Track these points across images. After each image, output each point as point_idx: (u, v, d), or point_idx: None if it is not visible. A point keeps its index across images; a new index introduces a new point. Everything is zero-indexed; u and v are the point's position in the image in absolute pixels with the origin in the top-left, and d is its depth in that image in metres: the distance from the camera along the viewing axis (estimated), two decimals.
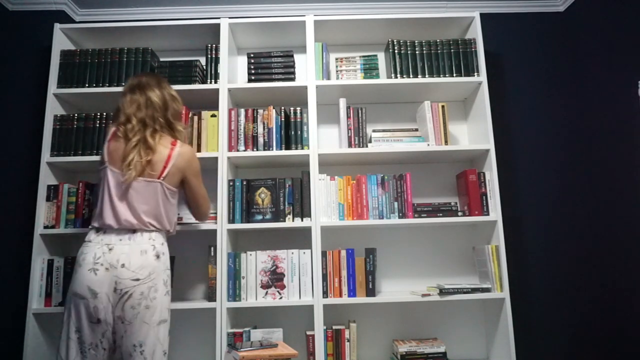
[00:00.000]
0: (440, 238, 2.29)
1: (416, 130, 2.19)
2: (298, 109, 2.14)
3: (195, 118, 2.12)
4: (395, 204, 2.07)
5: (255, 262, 2.00)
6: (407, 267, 2.27)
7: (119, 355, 1.48)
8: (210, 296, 1.95)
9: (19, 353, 2.05)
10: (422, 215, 2.07)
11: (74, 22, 2.50)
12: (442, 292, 1.98)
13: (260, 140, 2.11)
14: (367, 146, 2.14)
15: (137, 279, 1.46)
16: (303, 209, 2.05)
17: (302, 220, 2.04)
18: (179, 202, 2.04)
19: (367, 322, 2.21)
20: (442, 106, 2.18)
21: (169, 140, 1.65)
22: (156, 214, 1.57)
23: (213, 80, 2.16)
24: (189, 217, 2.04)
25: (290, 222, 2.03)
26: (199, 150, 2.10)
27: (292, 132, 2.13)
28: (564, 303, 2.27)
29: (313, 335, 1.96)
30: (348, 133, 2.13)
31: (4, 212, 2.20)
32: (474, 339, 2.20)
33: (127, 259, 1.47)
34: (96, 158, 2.03)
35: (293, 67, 2.21)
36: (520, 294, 2.25)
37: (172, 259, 2.11)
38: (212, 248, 1.99)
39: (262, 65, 2.19)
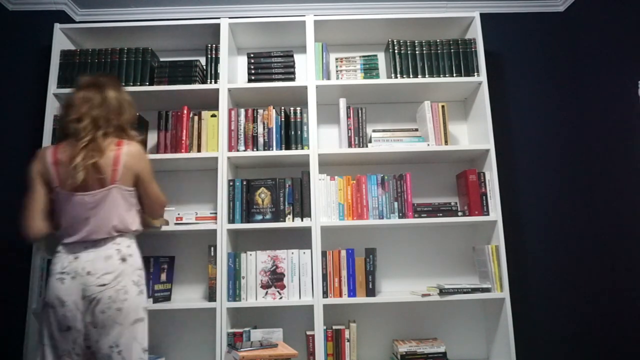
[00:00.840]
0: (440, 238, 2.29)
1: (416, 130, 2.19)
2: (298, 109, 2.14)
3: (195, 118, 2.13)
4: (395, 204, 2.07)
5: (255, 262, 2.00)
6: (407, 267, 2.27)
7: None
8: (210, 296, 1.95)
9: (19, 353, 2.06)
10: (422, 215, 2.07)
11: (74, 22, 2.50)
12: (442, 292, 1.98)
13: (260, 140, 2.11)
14: (367, 146, 2.14)
15: (103, 284, 1.46)
16: (303, 209, 2.05)
17: (302, 220, 2.04)
18: (173, 203, 2.04)
19: (367, 322, 2.21)
20: (442, 106, 2.18)
21: (114, 142, 1.56)
22: (117, 219, 1.53)
23: (213, 80, 2.16)
24: (189, 217, 2.05)
25: (290, 222, 2.03)
26: (199, 150, 2.10)
27: (292, 132, 2.13)
28: (564, 303, 2.27)
29: (313, 335, 1.96)
30: (348, 133, 2.13)
31: (5, 212, 2.20)
32: (474, 339, 2.20)
33: (92, 266, 1.47)
34: None
35: (293, 67, 2.20)
36: (520, 294, 2.25)
37: (172, 259, 2.12)
38: (212, 248, 1.99)
39: (262, 65, 2.19)
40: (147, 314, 1.56)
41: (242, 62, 2.44)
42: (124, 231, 1.55)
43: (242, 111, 2.13)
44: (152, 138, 2.30)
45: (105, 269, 1.48)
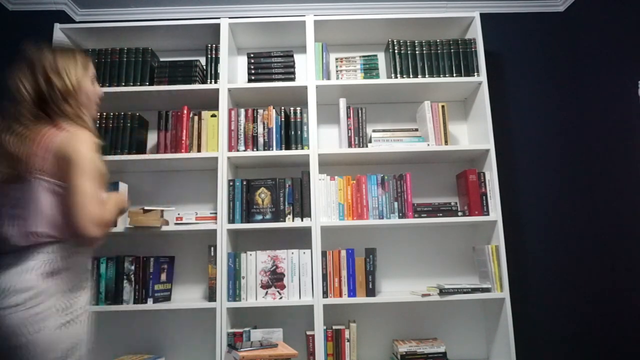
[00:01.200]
0: (440, 238, 2.29)
1: (416, 130, 2.19)
2: (298, 109, 2.14)
3: (195, 118, 2.13)
4: (395, 204, 2.07)
5: (255, 262, 2.00)
6: (407, 267, 2.27)
7: None
8: (210, 296, 1.95)
9: None
10: (422, 215, 2.07)
11: (74, 22, 2.50)
12: (442, 292, 1.98)
13: (260, 140, 2.11)
14: (367, 146, 2.14)
15: (9, 307, 1.05)
16: (303, 209, 2.05)
17: (302, 220, 2.04)
18: (173, 203, 2.03)
19: (367, 322, 2.21)
20: (442, 106, 2.17)
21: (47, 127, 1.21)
22: (44, 220, 1.15)
23: (213, 80, 2.16)
24: (189, 217, 2.05)
25: (290, 222, 2.03)
26: (199, 150, 2.09)
27: (292, 132, 2.13)
28: (564, 303, 2.27)
29: (313, 335, 1.96)
30: (348, 133, 2.13)
31: None
32: (474, 339, 2.20)
33: (3, 281, 1.08)
34: None
35: (293, 67, 2.20)
36: (520, 294, 2.25)
37: (172, 259, 2.12)
38: (212, 248, 1.99)
39: (262, 65, 2.19)
40: (74, 357, 1.12)
41: (242, 62, 2.44)
42: (60, 237, 1.15)
43: (242, 111, 2.13)
44: (152, 138, 2.30)
45: (18, 285, 1.07)
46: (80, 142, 1.18)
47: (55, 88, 1.25)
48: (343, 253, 2.01)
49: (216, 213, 2.04)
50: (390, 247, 2.28)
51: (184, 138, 2.09)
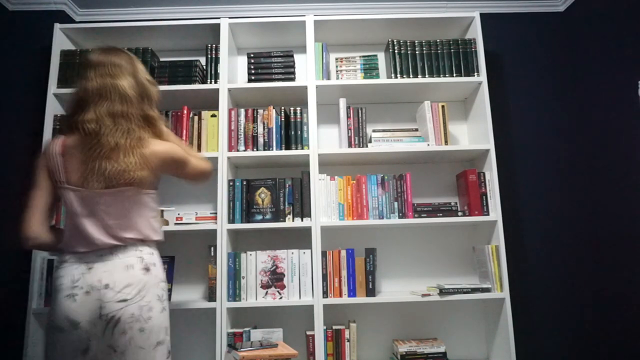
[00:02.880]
0: (440, 238, 2.29)
1: (416, 130, 2.19)
2: (298, 109, 2.14)
3: (195, 118, 2.13)
4: (395, 204, 2.07)
5: (255, 262, 2.00)
6: (407, 267, 2.27)
7: None
8: (210, 296, 1.95)
9: (19, 352, 2.06)
10: (422, 215, 2.07)
11: (74, 22, 2.50)
12: (442, 292, 1.98)
13: (260, 140, 2.11)
14: (367, 146, 2.14)
15: (124, 300, 1.23)
16: (303, 209, 2.05)
17: (302, 220, 2.04)
18: (173, 203, 2.02)
19: (367, 322, 2.21)
20: (442, 106, 2.18)
21: (143, 137, 1.34)
22: (137, 224, 1.33)
23: (213, 80, 2.16)
24: (189, 217, 2.05)
25: (290, 222, 2.03)
26: (199, 150, 2.10)
27: (292, 132, 2.13)
28: (564, 303, 2.27)
29: (313, 335, 1.96)
30: (348, 133, 2.13)
31: (5, 213, 2.20)
32: (474, 339, 2.21)
33: (110, 277, 1.24)
34: None
35: (293, 67, 2.20)
36: (520, 294, 2.25)
37: (172, 259, 2.12)
38: (212, 248, 1.99)
39: (262, 65, 2.19)
40: (168, 336, 1.33)
41: (242, 62, 2.44)
42: (143, 239, 1.34)
43: (242, 111, 2.13)
44: None
45: (127, 282, 1.25)
46: (172, 151, 1.41)
47: (151, 91, 1.43)
48: (343, 253, 2.01)
49: (216, 213, 2.04)
50: (390, 247, 2.28)
51: (184, 138, 2.09)
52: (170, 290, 2.10)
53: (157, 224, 1.42)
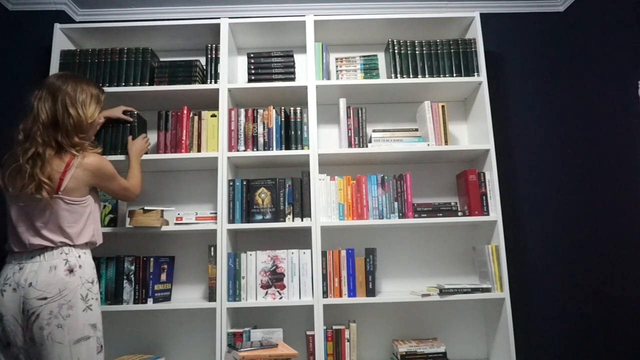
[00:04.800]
0: (440, 238, 2.29)
1: (416, 130, 2.19)
2: (298, 109, 2.14)
3: (195, 118, 2.13)
4: (395, 204, 2.07)
5: (255, 262, 2.00)
6: (407, 267, 2.27)
7: None
8: (210, 296, 1.95)
9: None
10: (422, 215, 2.07)
11: (74, 22, 2.50)
12: (442, 292, 1.98)
13: (260, 140, 2.11)
14: (367, 146, 2.14)
15: (44, 298, 1.36)
16: (303, 209, 2.05)
17: (302, 220, 2.04)
18: (173, 203, 2.01)
19: (367, 322, 2.21)
20: (442, 106, 2.17)
21: (68, 153, 1.51)
22: (62, 229, 1.47)
23: (213, 80, 2.16)
24: (189, 217, 2.05)
25: (290, 222, 2.03)
26: (199, 150, 2.09)
27: (292, 132, 2.13)
28: (563, 303, 2.27)
29: (313, 335, 1.96)
30: (348, 133, 2.13)
31: (5, 212, 2.20)
32: (474, 339, 2.20)
33: (34, 277, 1.38)
34: None
35: (293, 67, 2.20)
36: (520, 294, 2.25)
37: (172, 259, 2.12)
38: (212, 248, 1.99)
39: (262, 65, 2.19)
40: (97, 332, 1.46)
41: (242, 62, 2.44)
42: (72, 243, 1.48)
43: (242, 111, 2.13)
44: (152, 138, 2.29)
45: (48, 281, 1.38)
46: (100, 166, 1.57)
47: (71, 119, 1.52)
48: (343, 253, 2.01)
49: (216, 213, 2.04)
50: (390, 247, 2.28)
51: (184, 138, 2.09)
52: (170, 290, 2.10)
53: (90, 228, 1.55)
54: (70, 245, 1.48)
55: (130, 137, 2.00)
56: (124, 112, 2.04)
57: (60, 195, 1.47)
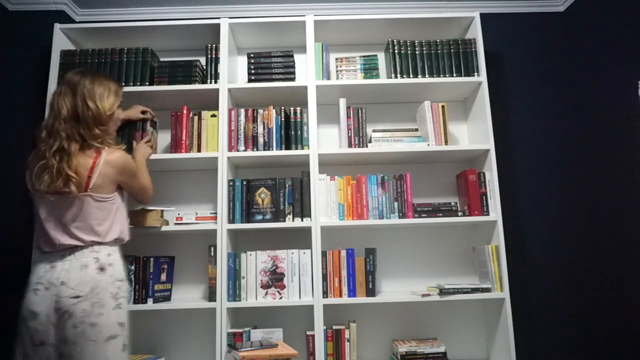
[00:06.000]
0: (440, 238, 2.29)
1: (416, 130, 2.19)
2: (298, 109, 2.14)
3: (195, 118, 2.13)
4: (395, 204, 2.07)
5: (255, 262, 2.00)
6: (407, 267, 2.27)
7: None
8: (210, 296, 1.95)
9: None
10: (422, 215, 2.07)
11: (74, 22, 2.50)
12: (442, 292, 1.98)
13: (260, 140, 2.11)
14: (367, 146, 2.14)
15: (77, 296, 1.37)
16: (303, 209, 2.05)
17: (302, 220, 2.04)
18: (173, 203, 2.01)
19: (367, 322, 2.21)
20: (442, 106, 2.18)
21: (92, 149, 1.52)
22: (91, 227, 1.48)
23: (213, 80, 2.16)
24: (189, 217, 2.05)
25: (290, 222, 2.03)
26: (199, 150, 2.10)
27: (292, 132, 2.13)
28: (563, 303, 2.27)
29: (313, 335, 1.96)
30: (348, 133, 2.13)
31: (4, 213, 2.20)
32: (474, 339, 2.20)
33: (66, 275, 1.39)
34: None
35: (293, 67, 2.20)
36: (520, 294, 2.25)
37: (172, 259, 2.12)
38: (212, 248, 1.99)
39: (262, 65, 2.19)
40: (124, 331, 1.46)
41: (242, 62, 2.44)
42: (101, 241, 1.48)
43: (242, 111, 2.13)
44: (164, 138, 2.29)
45: (80, 280, 1.39)
46: (125, 162, 1.58)
47: (90, 111, 1.53)
48: (343, 253, 2.01)
49: (216, 213, 2.04)
50: (390, 247, 2.28)
51: (183, 138, 2.09)
52: (170, 290, 2.10)
53: (119, 226, 1.56)
54: (99, 244, 1.48)
55: (134, 142, 1.98)
56: (142, 112, 2.04)
57: (89, 192, 1.48)
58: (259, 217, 2.05)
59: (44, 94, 2.19)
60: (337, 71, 2.26)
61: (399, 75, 2.18)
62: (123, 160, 1.58)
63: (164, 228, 2.01)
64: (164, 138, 2.29)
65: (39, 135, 1.51)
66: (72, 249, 1.44)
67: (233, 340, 1.92)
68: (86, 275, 1.41)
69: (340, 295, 1.99)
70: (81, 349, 1.36)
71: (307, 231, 2.16)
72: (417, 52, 2.21)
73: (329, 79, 2.27)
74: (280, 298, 1.98)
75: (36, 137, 1.52)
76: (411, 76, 2.19)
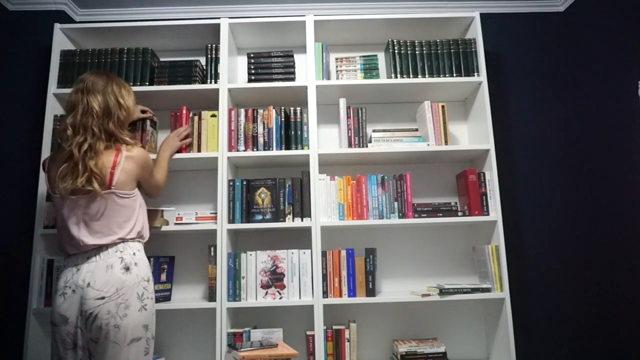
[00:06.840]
0: (440, 238, 2.29)
1: (416, 130, 2.19)
2: (298, 109, 2.14)
3: (195, 118, 2.12)
4: (395, 204, 2.07)
5: (255, 262, 2.00)
6: (407, 267, 2.27)
7: None
8: (210, 296, 1.95)
9: (20, 352, 2.06)
10: (422, 215, 2.07)
11: (74, 22, 2.50)
12: (442, 292, 1.98)
13: (260, 140, 2.11)
14: (367, 146, 2.14)
15: (102, 297, 1.37)
16: (303, 209, 2.05)
17: (302, 220, 2.04)
18: (173, 203, 2.01)
19: (367, 322, 2.21)
20: (442, 106, 2.18)
21: (111, 147, 1.53)
22: (116, 225, 1.48)
23: (213, 80, 2.16)
24: (189, 217, 2.05)
25: (290, 222, 2.03)
26: (199, 150, 2.10)
27: (292, 132, 2.13)
28: (564, 303, 2.27)
29: (313, 335, 1.96)
30: (348, 133, 2.13)
31: (4, 212, 2.20)
32: (474, 339, 2.21)
33: (92, 277, 1.39)
34: None
35: (293, 67, 2.20)
36: (520, 294, 2.25)
37: (172, 259, 2.12)
38: (212, 248, 1.99)
39: (262, 65, 2.19)
40: (149, 333, 1.46)
41: (242, 62, 2.44)
42: (126, 238, 1.49)
43: (242, 111, 2.13)
44: (162, 137, 2.29)
45: (105, 281, 1.39)
46: (146, 159, 1.62)
47: (122, 110, 1.59)
48: (343, 253, 2.01)
49: (216, 213, 2.04)
50: (390, 247, 2.28)
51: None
52: (170, 290, 2.10)
53: (140, 222, 1.56)
54: (123, 242, 1.48)
55: (170, 132, 2.03)
56: (142, 112, 2.05)
57: (113, 189, 1.48)
58: (259, 217, 2.05)
59: (44, 94, 2.19)
60: (337, 71, 2.26)
61: (399, 75, 2.18)
62: (144, 155, 1.61)
63: (164, 228, 2.01)
64: (163, 138, 2.28)
65: (64, 135, 1.50)
66: (97, 250, 1.44)
67: (233, 340, 1.92)
68: (112, 275, 1.40)
69: (340, 295, 1.99)
70: (103, 350, 1.36)
71: (307, 231, 2.16)
72: (417, 52, 2.21)
73: (329, 79, 2.27)
74: (280, 298, 1.98)
75: (60, 137, 1.53)
76: (411, 76, 2.19)
